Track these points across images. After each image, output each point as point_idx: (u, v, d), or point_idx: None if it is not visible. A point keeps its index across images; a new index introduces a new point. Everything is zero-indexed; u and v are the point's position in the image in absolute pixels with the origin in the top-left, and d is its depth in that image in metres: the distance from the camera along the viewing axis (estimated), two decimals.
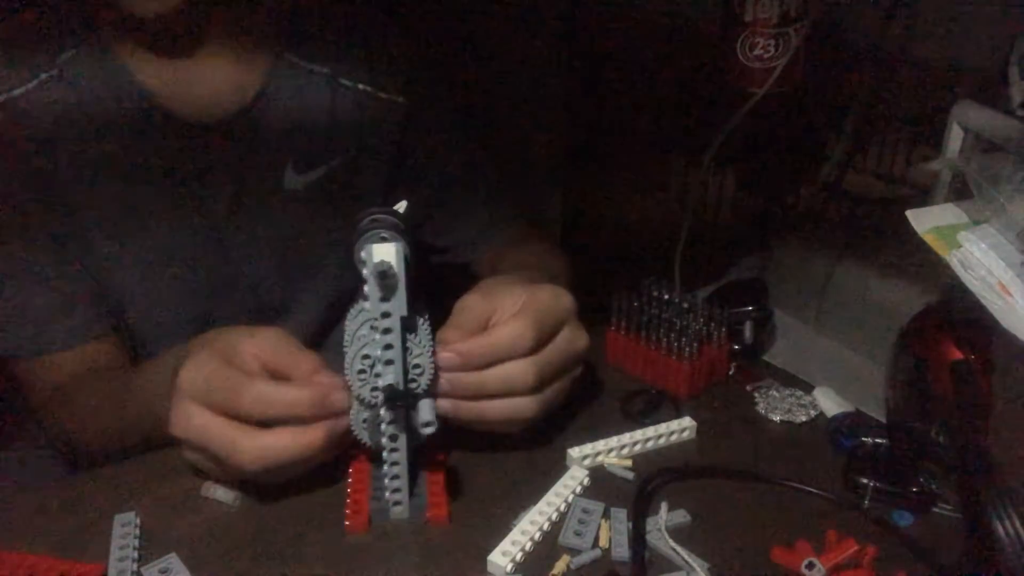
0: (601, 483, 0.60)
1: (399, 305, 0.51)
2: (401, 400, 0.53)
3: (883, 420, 0.68)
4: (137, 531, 0.53)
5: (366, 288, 0.51)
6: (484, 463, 0.62)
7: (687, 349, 0.70)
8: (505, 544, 0.52)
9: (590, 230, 1.19)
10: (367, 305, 0.52)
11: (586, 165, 1.16)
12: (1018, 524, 0.48)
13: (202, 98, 0.71)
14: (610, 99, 1.11)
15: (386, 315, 0.51)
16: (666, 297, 0.77)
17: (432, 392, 0.55)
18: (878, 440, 0.65)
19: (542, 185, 1.21)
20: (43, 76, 0.67)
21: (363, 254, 0.50)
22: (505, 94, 1.18)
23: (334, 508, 0.57)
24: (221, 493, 0.57)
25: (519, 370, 0.56)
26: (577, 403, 0.71)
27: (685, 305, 0.76)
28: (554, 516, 0.56)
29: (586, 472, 0.60)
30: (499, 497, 0.58)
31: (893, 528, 0.56)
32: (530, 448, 0.64)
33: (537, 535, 0.54)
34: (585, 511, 0.57)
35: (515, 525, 0.54)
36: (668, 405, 0.70)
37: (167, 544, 0.53)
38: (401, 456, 0.55)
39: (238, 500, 0.57)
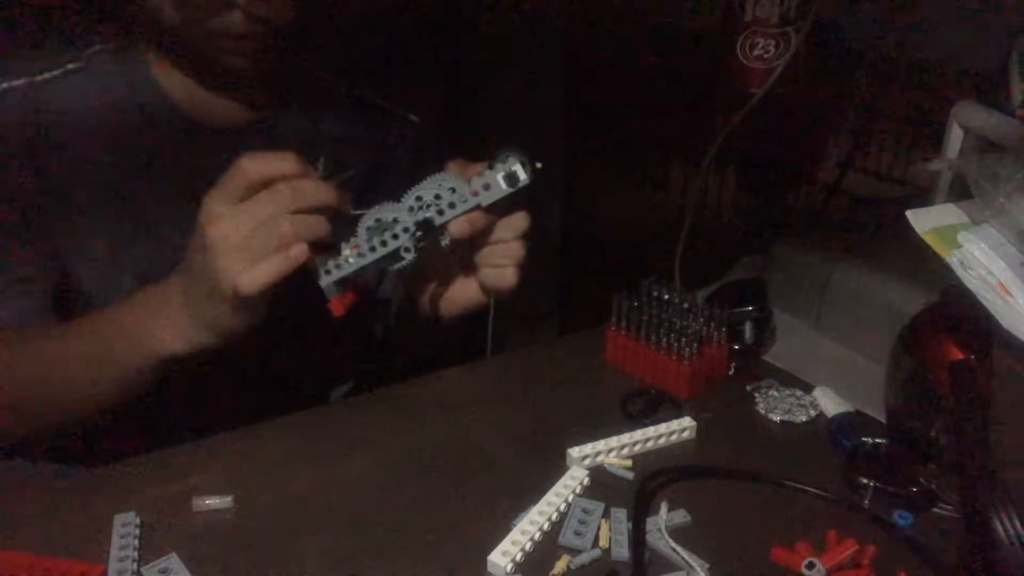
0: (601, 483, 0.60)
1: (489, 197, 0.63)
2: (431, 232, 0.63)
3: (883, 420, 0.68)
4: (137, 531, 0.53)
5: (494, 172, 0.63)
6: (484, 463, 0.62)
7: (687, 349, 0.70)
8: (505, 544, 0.52)
9: (590, 230, 1.19)
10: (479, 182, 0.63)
11: (586, 166, 1.16)
12: (1018, 524, 0.48)
13: (224, 106, 0.71)
14: (610, 99, 1.11)
15: (476, 193, 0.63)
16: (666, 297, 0.77)
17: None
18: (878, 440, 0.65)
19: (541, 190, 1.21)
20: (70, 66, 0.68)
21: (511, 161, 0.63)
22: (505, 99, 1.18)
23: (333, 509, 0.57)
24: (213, 502, 0.57)
25: None
26: (577, 403, 0.71)
27: (685, 305, 0.76)
28: (554, 516, 0.56)
29: (586, 472, 0.60)
30: (499, 497, 0.58)
31: (893, 528, 0.56)
32: (530, 448, 0.64)
33: (537, 535, 0.54)
34: (585, 511, 0.57)
35: (515, 525, 0.54)
36: (668, 405, 0.70)
37: (167, 544, 0.53)
38: (366, 261, 0.63)
39: (231, 502, 0.57)
